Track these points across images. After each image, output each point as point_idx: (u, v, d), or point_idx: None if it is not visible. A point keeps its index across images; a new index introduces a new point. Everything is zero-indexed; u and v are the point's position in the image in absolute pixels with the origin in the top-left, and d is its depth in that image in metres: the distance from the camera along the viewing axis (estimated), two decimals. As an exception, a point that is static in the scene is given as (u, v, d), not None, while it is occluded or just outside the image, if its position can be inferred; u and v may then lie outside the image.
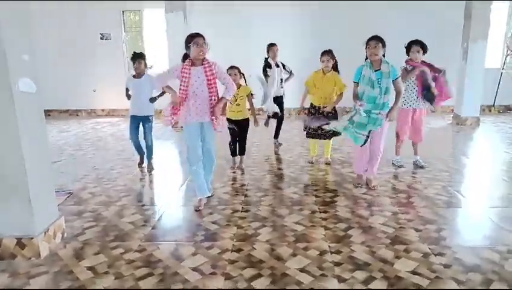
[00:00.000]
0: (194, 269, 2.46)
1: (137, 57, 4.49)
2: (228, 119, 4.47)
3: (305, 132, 4.81)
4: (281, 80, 5.60)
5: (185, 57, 3.33)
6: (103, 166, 4.94)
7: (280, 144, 5.86)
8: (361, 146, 3.74)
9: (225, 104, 3.86)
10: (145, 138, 4.64)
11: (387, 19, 8.30)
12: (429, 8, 8.35)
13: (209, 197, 3.65)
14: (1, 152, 2.49)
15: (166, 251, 2.71)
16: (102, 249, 2.74)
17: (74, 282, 2.35)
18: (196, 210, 3.42)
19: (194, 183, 3.50)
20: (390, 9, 8.38)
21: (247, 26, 8.60)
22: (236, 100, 4.42)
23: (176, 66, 3.31)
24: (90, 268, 2.50)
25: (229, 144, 4.73)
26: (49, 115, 8.98)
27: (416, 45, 4.25)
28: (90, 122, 8.45)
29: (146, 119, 4.59)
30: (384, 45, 3.53)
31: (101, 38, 9.09)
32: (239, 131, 4.61)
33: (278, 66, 5.52)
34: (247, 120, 4.62)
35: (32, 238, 2.60)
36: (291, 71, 5.77)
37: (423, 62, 4.32)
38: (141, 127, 4.62)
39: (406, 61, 4.34)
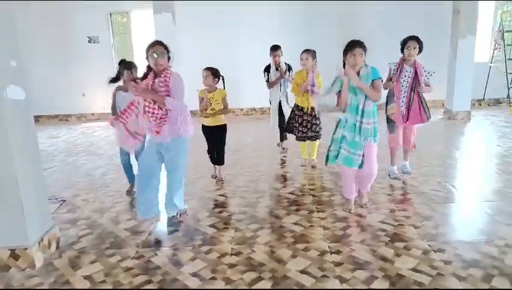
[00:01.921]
0: (194, 275, 2.43)
1: (132, 66, 3.85)
2: (203, 127, 4.18)
3: (295, 136, 4.69)
4: (283, 87, 5.21)
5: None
6: (96, 172, 4.87)
7: (285, 149, 5.55)
8: (358, 168, 3.21)
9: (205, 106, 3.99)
10: (137, 158, 3.89)
11: (375, 16, 8.34)
12: (417, 4, 8.39)
13: (174, 216, 3.31)
14: (-9, 162, 2.43)
15: (164, 257, 2.67)
16: (98, 257, 2.69)
17: (71, 292, 2.30)
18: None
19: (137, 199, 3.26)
20: (379, 6, 8.40)
21: (236, 26, 8.56)
22: (211, 104, 4.01)
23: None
24: (86, 277, 2.45)
25: (207, 152, 4.33)
26: (37, 121, 8.83)
27: (412, 40, 3.81)
28: (81, 127, 8.33)
29: None
30: (366, 52, 3.09)
31: (89, 42, 8.97)
32: (214, 139, 4.19)
33: (278, 70, 5.15)
34: (223, 127, 4.16)
35: (26, 248, 2.54)
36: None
37: (415, 62, 3.85)
38: None
39: (400, 60, 3.92)
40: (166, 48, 2.95)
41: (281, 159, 5.13)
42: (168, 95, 2.90)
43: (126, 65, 3.85)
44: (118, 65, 4.01)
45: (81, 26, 8.85)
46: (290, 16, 8.65)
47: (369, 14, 8.41)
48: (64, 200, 3.83)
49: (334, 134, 3.28)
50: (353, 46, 3.05)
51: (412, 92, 3.85)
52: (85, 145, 6.49)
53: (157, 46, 2.89)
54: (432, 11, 8.42)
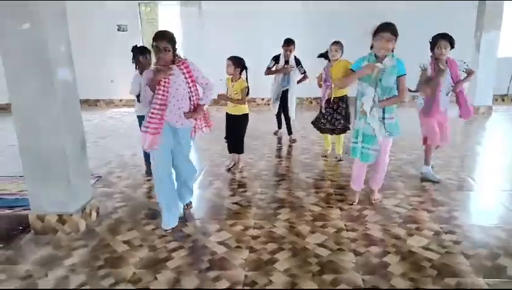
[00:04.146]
0: (221, 243, 2.68)
1: (146, 51, 3.99)
2: (226, 114, 4.30)
3: (317, 127, 4.67)
4: (288, 77, 5.32)
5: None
6: (126, 152, 5.18)
7: (294, 140, 5.55)
8: (369, 162, 3.18)
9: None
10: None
11: (397, 10, 8.31)
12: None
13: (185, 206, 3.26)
14: (44, 137, 2.73)
15: (193, 228, 2.94)
16: (134, 226, 2.98)
17: (112, 254, 2.58)
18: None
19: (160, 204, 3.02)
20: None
21: (259, 18, 8.73)
22: (230, 94, 4.15)
23: (148, 74, 2.86)
24: (125, 242, 2.73)
25: (224, 138, 4.39)
26: (68, 105, 9.25)
27: (444, 39, 3.60)
28: (109, 112, 8.73)
29: None
30: (397, 38, 2.86)
31: (118, 30, 9.30)
32: (234, 127, 4.28)
33: (287, 63, 5.27)
34: (244, 116, 4.23)
35: (71, 215, 2.84)
36: (304, 72, 5.40)
37: (448, 60, 3.70)
38: None
39: (432, 59, 3.70)
40: (171, 41, 2.77)
41: (301, 147, 5.31)
42: (195, 86, 2.92)
43: (139, 50, 3.97)
44: (131, 52, 4.09)
45: (111, 15, 9.18)
46: (314, 10, 8.75)
47: (391, 7, 8.39)
48: (100, 177, 4.15)
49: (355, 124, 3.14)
50: (383, 29, 2.83)
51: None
52: (115, 129, 6.85)
53: (160, 41, 2.72)
54: (456, 3, 8.35)
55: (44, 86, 2.65)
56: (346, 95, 4.49)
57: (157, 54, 2.75)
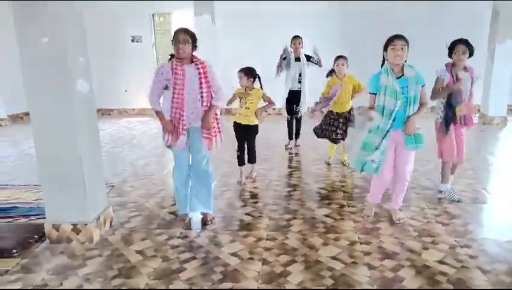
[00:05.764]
0: (233, 255, 2.68)
1: None
2: (235, 124, 4.25)
3: (314, 132, 4.84)
4: (300, 74, 5.39)
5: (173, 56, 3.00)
6: (139, 162, 5.23)
7: (297, 146, 5.68)
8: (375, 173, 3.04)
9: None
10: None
11: (412, 19, 8.31)
12: (456, 7, 8.32)
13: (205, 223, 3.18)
14: (61, 146, 2.78)
15: (206, 238, 2.94)
16: (148, 236, 2.99)
17: (126, 264, 2.59)
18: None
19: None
20: (416, 9, 8.39)
21: (272, 27, 8.79)
22: (246, 103, 4.13)
23: (161, 69, 2.93)
24: (139, 252, 2.75)
25: (236, 151, 4.31)
26: (82, 114, 9.38)
27: (461, 44, 3.45)
28: (122, 121, 8.84)
29: None
30: (408, 47, 2.84)
31: (132, 41, 9.46)
32: (246, 137, 4.26)
33: (298, 60, 5.37)
34: (254, 127, 4.23)
35: (86, 224, 2.87)
36: (319, 61, 5.42)
37: (467, 67, 3.57)
38: None
39: (447, 65, 3.55)
40: (191, 36, 2.87)
41: (312, 157, 5.30)
42: (209, 88, 2.96)
43: None
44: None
45: (125, 26, 9.36)
46: (325, 17, 8.79)
47: (404, 16, 8.39)
48: (113, 186, 4.19)
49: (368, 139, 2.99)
50: (393, 38, 2.85)
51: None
52: (128, 138, 6.92)
53: (180, 34, 2.84)
54: (470, 11, 8.31)
55: (62, 96, 2.70)
56: (352, 108, 4.70)
57: (176, 46, 2.83)
